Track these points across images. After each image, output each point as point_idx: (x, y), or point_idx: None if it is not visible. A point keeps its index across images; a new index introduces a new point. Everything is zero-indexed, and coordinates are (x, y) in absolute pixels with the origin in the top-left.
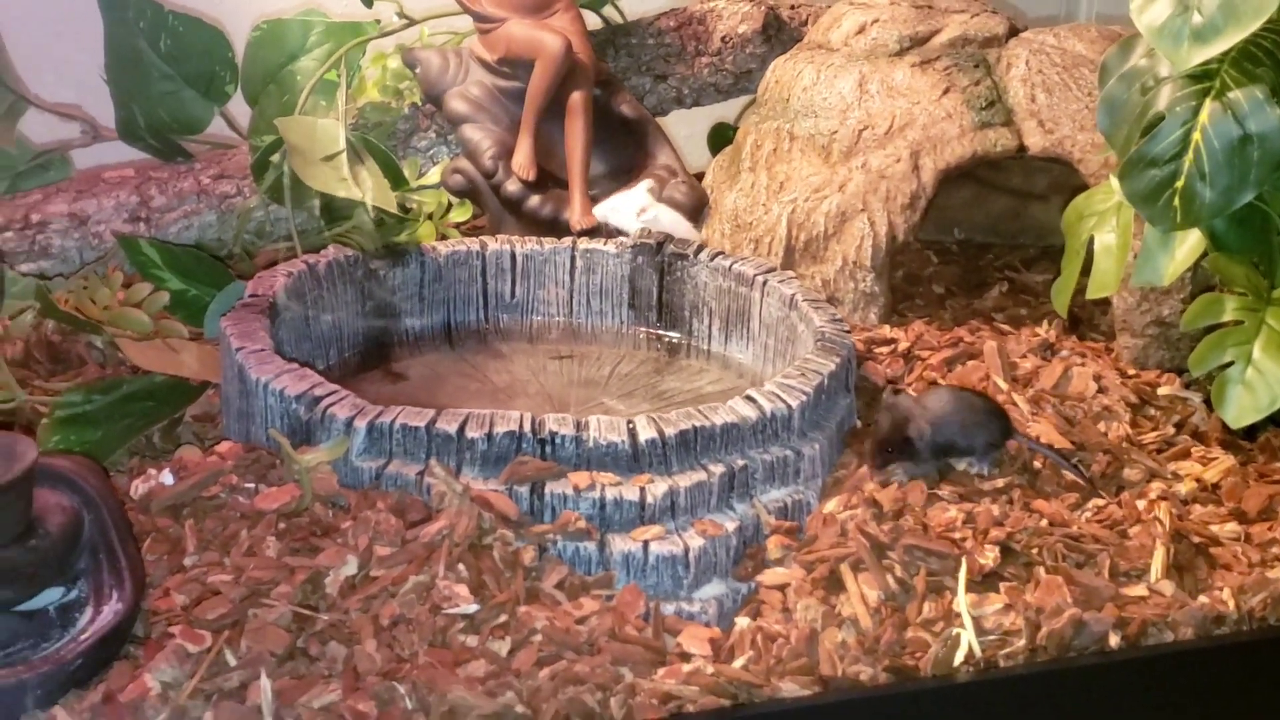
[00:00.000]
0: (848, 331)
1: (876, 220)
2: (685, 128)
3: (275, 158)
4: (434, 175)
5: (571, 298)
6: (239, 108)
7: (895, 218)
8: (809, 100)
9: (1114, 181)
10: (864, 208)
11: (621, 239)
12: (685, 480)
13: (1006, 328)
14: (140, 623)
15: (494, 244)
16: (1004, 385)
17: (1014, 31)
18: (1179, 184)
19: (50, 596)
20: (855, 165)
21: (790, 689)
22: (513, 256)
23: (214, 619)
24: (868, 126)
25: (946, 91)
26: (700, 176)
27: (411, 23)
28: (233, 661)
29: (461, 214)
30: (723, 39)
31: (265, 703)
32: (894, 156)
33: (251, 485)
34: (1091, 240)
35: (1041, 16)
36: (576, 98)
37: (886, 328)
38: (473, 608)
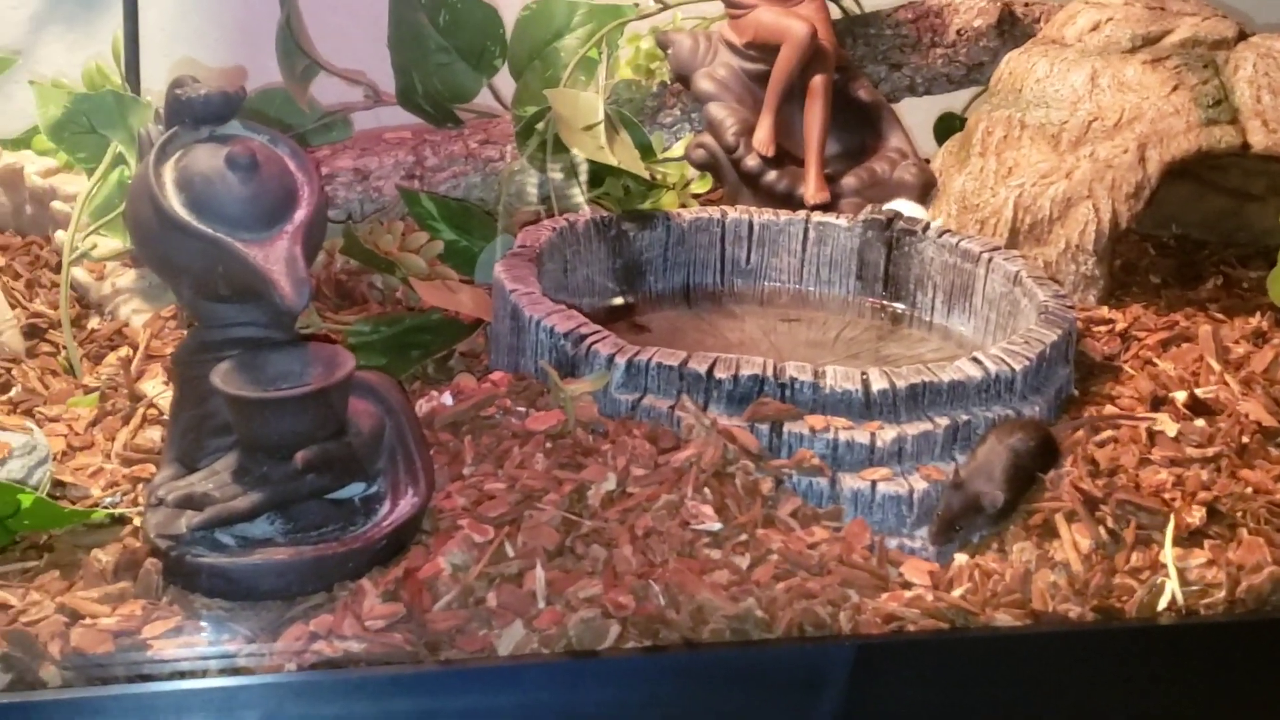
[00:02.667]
0: (1071, 306)
1: (1101, 207)
2: (910, 116)
3: (539, 126)
4: (678, 149)
5: (803, 266)
6: (501, 80)
7: (1119, 205)
8: (1041, 91)
9: None
10: (1089, 195)
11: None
12: (912, 429)
13: (1220, 317)
14: (427, 519)
15: (734, 213)
16: (1217, 367)
17: (1242, 36)
18: None
19: (355, 489)
20: (1083, 154)
21: (1004, 619)
22: (750, 225)
23: (494, 516)
24: (1097, 118)
25: (1175, 89)
26: (928, 161)
27: (666, 7)
28: (511, 553)
29: (702, 186)
30: (958, 32)
31: (539, 589)
32: (1121, 148)
33: (522, 409)
34: None
35: (1269, 23)
36: (818, 81)
37: (1105, 309)
38: (716, 526)
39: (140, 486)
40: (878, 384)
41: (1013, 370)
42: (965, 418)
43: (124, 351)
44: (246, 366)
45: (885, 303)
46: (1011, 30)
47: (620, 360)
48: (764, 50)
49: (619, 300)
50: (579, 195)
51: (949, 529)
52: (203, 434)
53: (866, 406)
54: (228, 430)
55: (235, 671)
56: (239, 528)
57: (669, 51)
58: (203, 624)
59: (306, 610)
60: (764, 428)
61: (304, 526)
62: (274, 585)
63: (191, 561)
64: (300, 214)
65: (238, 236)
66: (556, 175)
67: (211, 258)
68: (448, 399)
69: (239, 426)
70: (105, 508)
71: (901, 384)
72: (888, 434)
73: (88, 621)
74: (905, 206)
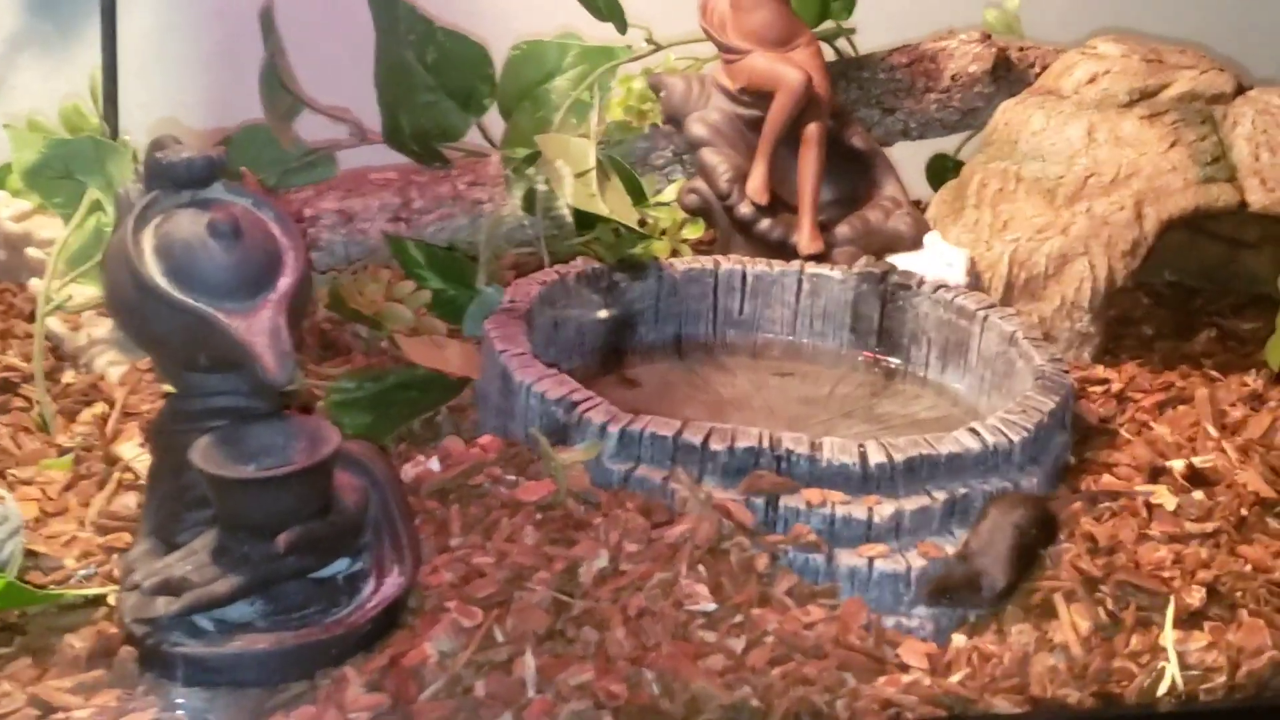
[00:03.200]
0: (1067, 371)
1: (1097, 264)
2: (896, 152)
3: (530, 170)
4: (670, 193)
5: (796, 318)
6: (491, 119)
7: (1115, 263)
8: (1037, 144)
9: None
10: (1085, 251)
11: (844, 266)
12: (910, 504)
13: (1215, 374)
14: (413, 597)
15: (727, 263)
16: (1214, 433)
17: (1240, 89)
18: None
19: (339, 566)
20: (1079, 210)
21: (1003, 706)
22: (744, 276)
23: (483, 597)
24: (1094, 174)
25: (1173, 145)
26: (917, 203)
27: (658, 48)
28: (500, 638)
29: (694, 231)
30: (952, 77)
31: (529, 677)
32: (1118, 204)
33: (512, 478)
34: None
35: (1266, 76)
36: (812, 129)
37: (1100, 367)
38: (711, 606)
39: (115, 557)
40: (875, 457)
41: (1011, 442)
42: (963, 491)
43: (99, 409)
44: (227, 442)
45: (879, 356)
46: (1006, 76)
47: (613, 429)
48: (758, 96)
49: (608, 353)
50: (572, 240)
51: (941, 595)
52: (181, 506)
53: (864, 480)
54: (207, 503)
55: None
56: (217, 611)
57: (661, 94)
58: (181, 716)
59: (288, 701)
60: (759, 501)
61: (285, 608)
62: (255, 675)
63: (168, 650)
64: (284, 282)
65: (219, 306)
66: (550, 216)
67: (191, 328)
68: (434, 464)
69: (219, 506)
70: (79, 580)
71: (899, 457)
72: (885, 509)
73: (59, 716)
74: (944, 247)
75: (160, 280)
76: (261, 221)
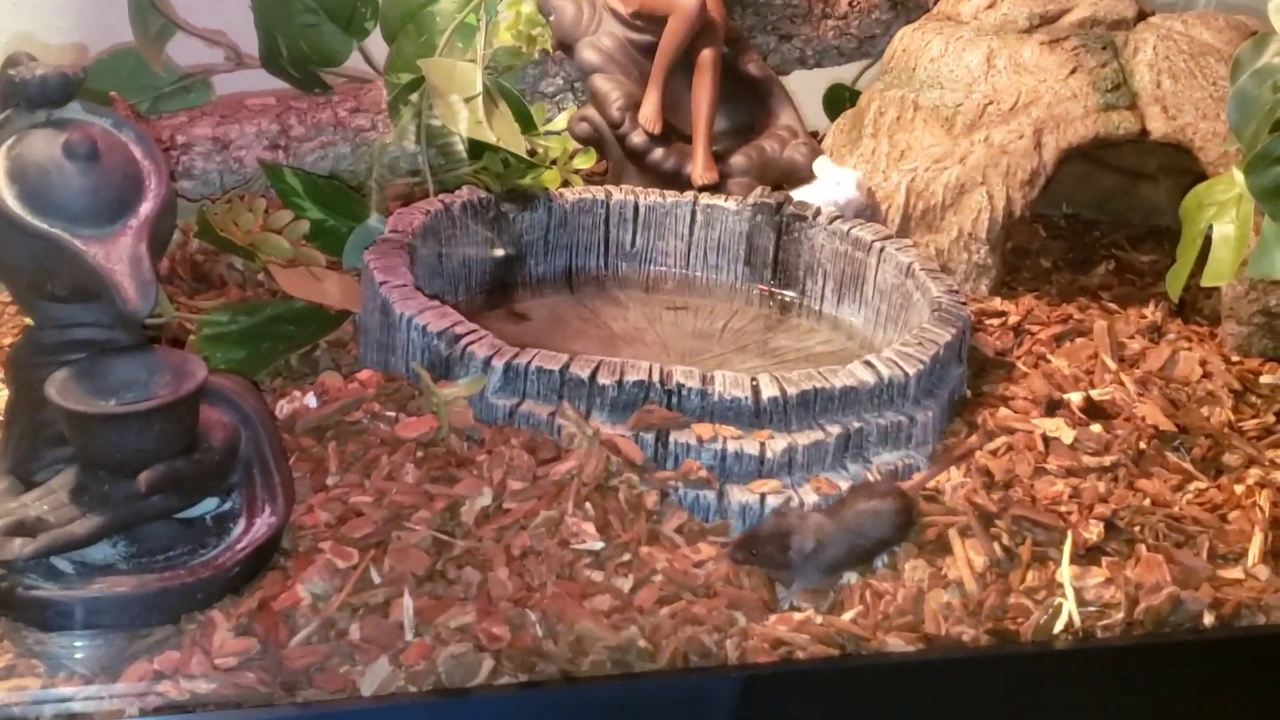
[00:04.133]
0: (964, 303)
1: (995, 194)
2: (793, 82)
3: (413, 97)
4: (560, 121)
5: (689, 251)
6: (374, 43)
7: (1014, 193)
8: (935, 71)
9: (1236, 174)
10: (983, 181)
11: (739, 197)
12: (803, 439)
13: (1113, 306)
14: (286, 537)
15: (618, 194)
16: (1113, 365)
17: (1142, 15)
18: None
19: (207, 506)
20: (978, 139)
21: (896, 644)
22: (636, 207)
23: (360, 538)
24: (993, 101)
25: (1073, 71)
26: (814, 134)
27: None
28: (377, 579)
29: (585, 161)
30: (850, 3)
31: (407, 620)
32: (1017, 133)
33: (392, 414)
34: (1209, 229)
35: (1164, 2)
36: (706, 55)
37: (997, 300)
38: (598, 545)
39: None
40: (768, 390)
41: (906, 375)
42: (857, 425)
43: None
44: (86, 375)
45: (774, 290)
46: (905, 2)
47: (497, 363)
48: (651, 21)
49: (496, 286)
50: (460, 169)
51: (746, 550)
52: (39, 443)
53: (756, 414)
54: (66, 439)
55: (72, 718)
56: (77, 552)
57: (551, 18)
58: (36, 663)
59: (151, 646)
60: (649, 437)
61: (149, 550)
62: (115, 619)
63: (24, 594)
64: (146, 207)
65: (76, 233)
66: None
67: (46, 255)
68: (311, 400)
69: (77, 443)
70: None
71: (793, 391)
72: (778, 444)
73: None
74: (833, 169)
75: (13, 204)
76: (122, 143)
